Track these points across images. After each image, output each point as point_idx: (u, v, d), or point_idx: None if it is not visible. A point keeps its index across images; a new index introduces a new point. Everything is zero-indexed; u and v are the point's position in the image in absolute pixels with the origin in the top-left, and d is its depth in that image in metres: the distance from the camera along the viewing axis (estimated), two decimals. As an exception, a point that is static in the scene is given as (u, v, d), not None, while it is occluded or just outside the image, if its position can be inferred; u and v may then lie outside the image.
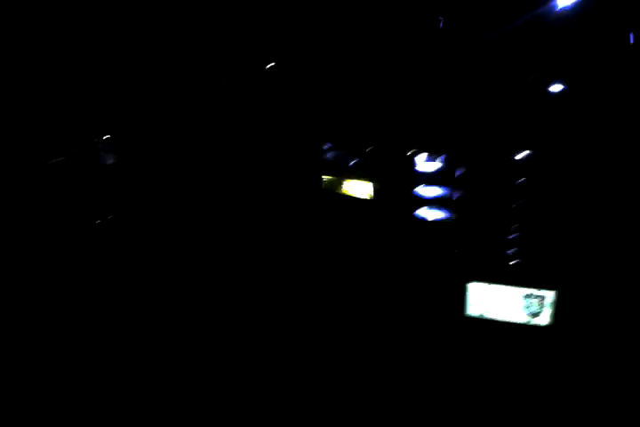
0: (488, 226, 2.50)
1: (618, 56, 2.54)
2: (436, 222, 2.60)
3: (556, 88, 2.53)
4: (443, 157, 2.54)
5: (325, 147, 2.89)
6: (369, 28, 3.45)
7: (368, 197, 2.72)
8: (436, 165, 2.56)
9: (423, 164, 2.58)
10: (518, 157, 2.41)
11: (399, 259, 2.68)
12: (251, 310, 3.21)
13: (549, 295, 2.43)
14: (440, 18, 2.91)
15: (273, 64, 4.09)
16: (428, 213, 2.60)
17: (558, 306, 2.40)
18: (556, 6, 2.61)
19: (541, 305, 2.45)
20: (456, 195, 2.55)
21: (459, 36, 2.89)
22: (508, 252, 2.48)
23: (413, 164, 2.58)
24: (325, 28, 3.95)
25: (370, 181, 2.70)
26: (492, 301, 2.50)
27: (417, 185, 2.59)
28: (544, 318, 2.44)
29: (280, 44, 4.11)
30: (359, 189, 2.73)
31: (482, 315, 2.53)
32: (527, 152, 2.40)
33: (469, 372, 2.57)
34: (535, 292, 2.46)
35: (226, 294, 3.40)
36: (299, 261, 3.33)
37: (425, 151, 2.57)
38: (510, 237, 2.49)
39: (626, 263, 2.31)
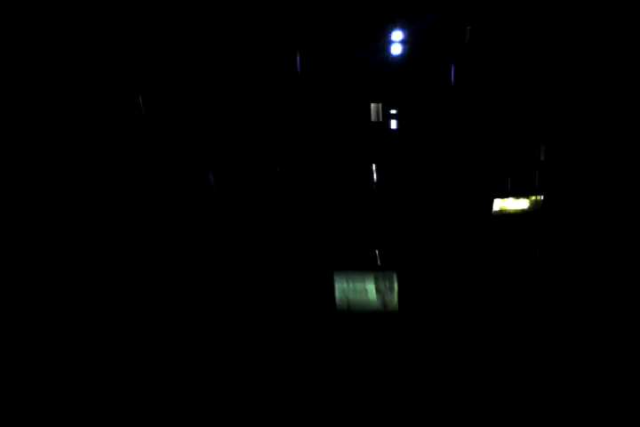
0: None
1: (441, 93, 3.25)
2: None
3: (393, 123, 3.25)
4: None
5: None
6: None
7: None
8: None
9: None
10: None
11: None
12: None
13: (394, 278, 2.91)
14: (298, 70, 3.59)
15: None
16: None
17: (400, 293, 2.88)
18: (391, 54, 3.43)
19: (392, 290, 2.94)
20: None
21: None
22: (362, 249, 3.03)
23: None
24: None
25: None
26: (354, 294, 2.97)
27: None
28: (394, 306, 2.91)
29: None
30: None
31: (348, 308, 2.98)
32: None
33: (346, 355, 2.94)
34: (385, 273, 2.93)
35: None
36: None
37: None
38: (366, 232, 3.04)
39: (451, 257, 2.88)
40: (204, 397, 2.68)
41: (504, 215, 3.06)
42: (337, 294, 2.97)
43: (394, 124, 3.38)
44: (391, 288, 2.94)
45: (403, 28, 3.44)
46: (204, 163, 3.55)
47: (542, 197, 3.07)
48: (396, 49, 3.46)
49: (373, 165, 3.19)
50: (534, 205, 3.06)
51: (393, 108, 3.41)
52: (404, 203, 3.06)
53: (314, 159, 3.25)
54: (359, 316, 2.99)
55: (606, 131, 3.29)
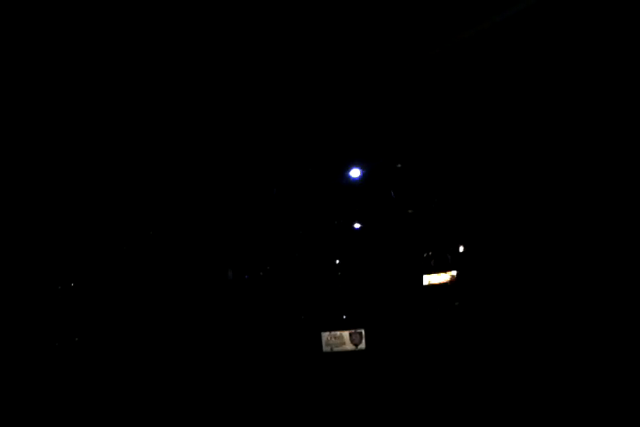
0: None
1: (383, 205, 4.75)
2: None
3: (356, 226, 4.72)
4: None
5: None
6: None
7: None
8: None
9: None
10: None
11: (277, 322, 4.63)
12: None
13: (363, 331, 4.45)
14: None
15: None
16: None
17: (367, 338, 4.42)
18: (350, 177, 4.84)
19: (360, 338, 4.47)
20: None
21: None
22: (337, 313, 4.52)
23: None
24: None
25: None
26: (334, 341, 4.48)
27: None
28: (362, 345, 4.46)
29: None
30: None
31: (331, 349, 4.50)
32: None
33: (330, 385, 4.48)
34: (357, 330, 4.47)
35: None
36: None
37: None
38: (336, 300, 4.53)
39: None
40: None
41: (431, 286, 4.62)
42: (323, 344, 4.50)
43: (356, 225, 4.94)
44: (360, 338, 4.48)
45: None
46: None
47: (456, 273, 4.63)
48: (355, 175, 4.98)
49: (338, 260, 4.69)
50: (451, 278, 4.63)
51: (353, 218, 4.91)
52: (364, 287, 4.61)
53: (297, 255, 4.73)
54: (339, 353, 4.52)
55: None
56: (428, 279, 4.62)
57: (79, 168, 5.03)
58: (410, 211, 5.18)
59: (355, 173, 5.34)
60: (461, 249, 4.81)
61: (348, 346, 4.48)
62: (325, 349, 4.49)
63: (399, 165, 5.47)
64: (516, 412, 3.67)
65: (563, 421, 3.37)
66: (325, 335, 4.49)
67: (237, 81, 5.16)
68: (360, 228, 5.11)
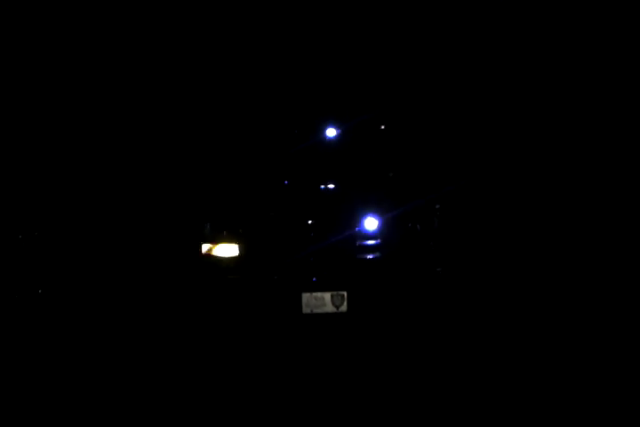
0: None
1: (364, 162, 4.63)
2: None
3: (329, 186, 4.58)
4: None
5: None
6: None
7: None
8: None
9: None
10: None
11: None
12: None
13: (345, 294, 4.35)
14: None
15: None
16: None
17: (349, 299, 4.33)
18: (327, 136, 4.76)
19: (342, 300, 4.37)
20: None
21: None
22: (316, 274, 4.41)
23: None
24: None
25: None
26: (315, 302, 4.37)
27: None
28: (344, 307, 4.36)
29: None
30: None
31: (311, 311, 4.39)
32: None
33: (312, 346, 4.39)
34: (338, 292, 4.36)
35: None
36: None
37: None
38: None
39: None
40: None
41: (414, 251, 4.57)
42: (303, 305, 4.38)
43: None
44: (342, 300, 4.39)
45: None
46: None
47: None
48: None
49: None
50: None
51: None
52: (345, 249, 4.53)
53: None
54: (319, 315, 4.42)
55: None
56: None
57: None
58: (390, 174, 5.09)
59: (330, 132, 5.22)
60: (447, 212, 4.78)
61: (329, 308, 4.38)
62: (305, 310, 4.38)
63: (382, 127, 5.37)
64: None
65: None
66: (306, 296, 4.37)
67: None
68: (343, 189, 4.96)
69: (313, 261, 4.58)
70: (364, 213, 4.63)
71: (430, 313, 4.45)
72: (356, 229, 4.62)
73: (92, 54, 5.23)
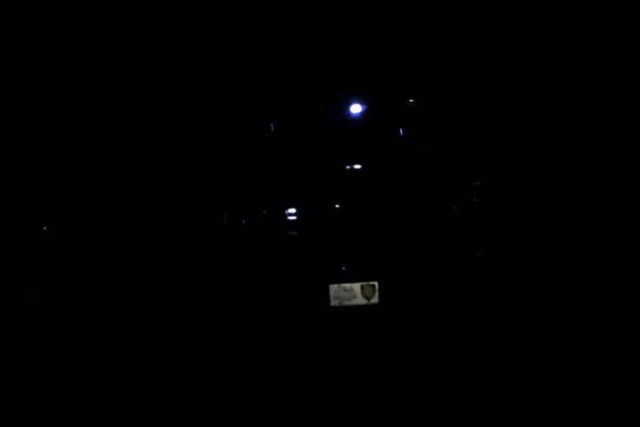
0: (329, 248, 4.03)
1: (392, 144, 4.21)
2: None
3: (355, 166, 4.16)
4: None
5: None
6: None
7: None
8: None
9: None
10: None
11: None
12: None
13: (376, 284, 3.96)
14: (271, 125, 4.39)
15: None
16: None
17: (381, 291, 3.94)
18: (351, 113, 4.49)
19: (373, 291, 3.98)
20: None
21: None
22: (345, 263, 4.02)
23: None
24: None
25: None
26: (344, 294, 4.00)
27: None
28: (376, 299, 3.98)
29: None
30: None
31: (340, 304, 4.02)
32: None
33: (341, 343, 4.03)
34: (369, 283, 3.98)
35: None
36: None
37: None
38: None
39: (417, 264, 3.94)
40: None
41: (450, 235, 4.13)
42: (331, 297, 4.00)
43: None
44: (373, 291, 4.00)
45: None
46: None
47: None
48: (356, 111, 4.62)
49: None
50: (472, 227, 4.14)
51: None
52: (376, 236, 4.11)
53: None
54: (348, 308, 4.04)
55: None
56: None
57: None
58: (422, 151, 4.65)
59: (356, 108, 4.82)
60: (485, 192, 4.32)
61: (360, 300, 4.01)
62: (334, 303, 4.01)
63: (411, 100, 4.93)
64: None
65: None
66: (334, 288, 4.00)
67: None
68: (368, 169, 4.56)
69: (342, 249, 4.20)
70: (392, 195, 4.23)
71: (471, 303, 4.04)
72: (386, 212, 4.22)
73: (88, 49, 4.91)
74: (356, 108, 4.74)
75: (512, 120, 5.01)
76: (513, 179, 4.61)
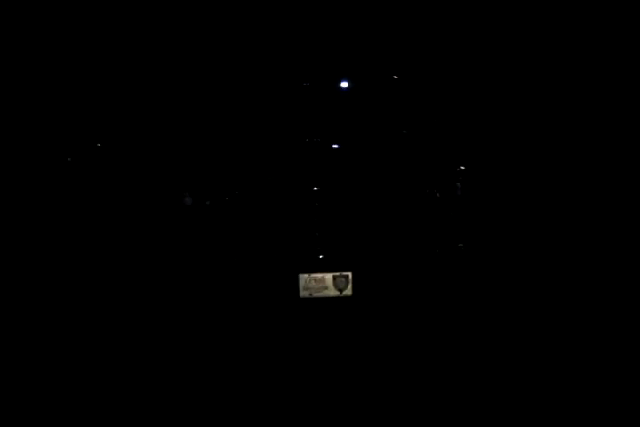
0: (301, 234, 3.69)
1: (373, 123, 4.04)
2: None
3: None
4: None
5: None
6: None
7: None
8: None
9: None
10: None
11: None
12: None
13: (350, 275, 3.64)
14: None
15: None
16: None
17: (355, 282, 3.63)
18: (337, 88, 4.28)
19: (347, 282, 3.67)
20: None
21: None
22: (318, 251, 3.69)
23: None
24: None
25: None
26: (315, 284, 3.68)
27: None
28: (349, 291, 3.66)
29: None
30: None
31: (310, 295, 3.70)
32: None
33: (310, 337, 3.73)
34: (342, 273, 3.66)
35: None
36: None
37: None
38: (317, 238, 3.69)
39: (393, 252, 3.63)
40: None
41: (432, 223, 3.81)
42: (301, 288, 3.68)
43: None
44: (346, 283, 3.68)
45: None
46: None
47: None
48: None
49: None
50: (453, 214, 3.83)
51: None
52: (351, 221, 3.77)
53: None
54: (319, 300, 3.72)
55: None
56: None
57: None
58: (404, 131, 4.31)
59: (343, 84, 4.47)
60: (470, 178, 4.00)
61: (332, 291, 3.70)
62: (303, 294, 3.70)
63: (395, 77, 4.58)
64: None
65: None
66: (304, 278, 3.69)
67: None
68: (346, 149, 4.21)
69: (318, 235, 3.85)
70: (371, 178, 3.90)
71: (452, 298, 3.75)
72: (364, 197, 3.89)
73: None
74: (343, 84, 4.38)
75: (504, 101, 4.68)
76: (501, 164, 4.29)
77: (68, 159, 4.24)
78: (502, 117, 4.43)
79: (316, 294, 3.70)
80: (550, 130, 4.46)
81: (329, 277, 3.70)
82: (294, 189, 3.85)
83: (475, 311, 3.75)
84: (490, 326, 3.75)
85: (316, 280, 3.69)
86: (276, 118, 4.15)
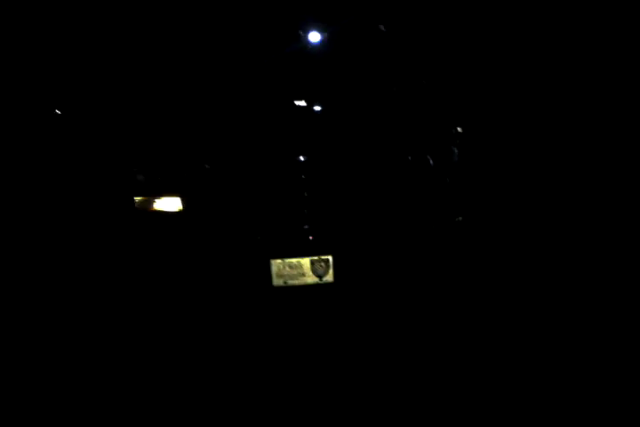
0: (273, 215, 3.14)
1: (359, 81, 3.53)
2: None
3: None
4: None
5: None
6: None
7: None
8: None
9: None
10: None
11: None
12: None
13: (330, 258, 3.12)
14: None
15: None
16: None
17: (336, 266, 3.10)
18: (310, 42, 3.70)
19: (327, 267, 3.15)
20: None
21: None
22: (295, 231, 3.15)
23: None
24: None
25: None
26: (290, 271, 3.16)
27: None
28: (329, 277, 3.15)
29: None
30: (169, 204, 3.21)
31: (285, 283, 3.18)
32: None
33: (286, 332, 3.24)
34: (321, 257, 3.14)
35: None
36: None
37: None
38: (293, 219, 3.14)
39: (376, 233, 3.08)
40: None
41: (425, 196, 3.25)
42: (273, 275, 3.15)
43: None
44: (326, 268, 3.16)
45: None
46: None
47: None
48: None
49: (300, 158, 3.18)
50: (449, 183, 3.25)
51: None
52: (330, 195, 3.19)
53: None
54: (295, 288, 3.21)
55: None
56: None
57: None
58: (394, 89, 3.72)
59: (314, 36, 3.92)
60: (465, 144, 3.43)
61: (309, 278, 3.19)
62: (277, 282, 3.18)
63: (382, 27, 4.01)
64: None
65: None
66: (277, 264, 3.16)
67: None
68: (323, 112, 3.63)
69: (307, 212, 3.28)
70: (355, 143, 3.33)
71: (448, 282, 3.23)
72: (347, 166, 3.32)
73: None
74: (314, 37, 3.80)
75: (506, 56, 4.08)
76: (503, 124, 3.71)
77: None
78: (505, 68, 3.83)
79: (291, 282, 3.18)
80: (560, 89, 3.88)
81: (306, 261, 3.17)
82: (266, 157, 3.29)
83: (473, 295, 3.25)
84: (493, 321, 3.26)
85: (291, 266, 3.17)
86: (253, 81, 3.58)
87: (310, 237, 3.23)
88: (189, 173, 3.23)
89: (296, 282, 3.18)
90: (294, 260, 3.16)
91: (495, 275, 3.35)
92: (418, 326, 3.18)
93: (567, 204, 3.73)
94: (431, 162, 3.26)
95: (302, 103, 3.50)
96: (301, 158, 3.17)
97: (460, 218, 3.33)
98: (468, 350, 3.00)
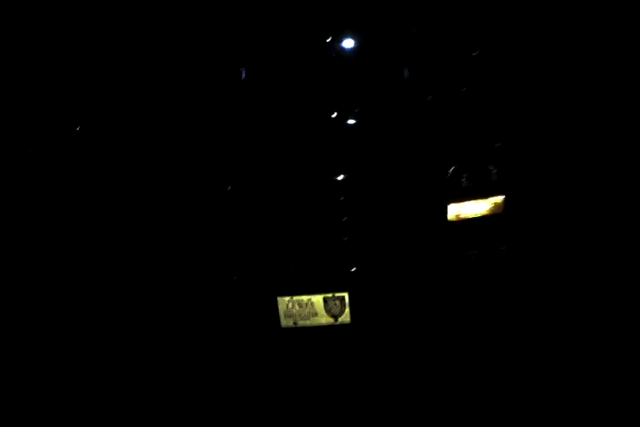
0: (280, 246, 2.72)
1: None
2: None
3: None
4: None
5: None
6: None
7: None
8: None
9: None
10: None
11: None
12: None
13: (346, 296, 2.68)
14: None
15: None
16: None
17: (352, 305, 2.66)
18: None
19: (342, 305, 2.71)
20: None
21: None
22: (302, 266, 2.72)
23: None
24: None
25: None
26: (300, 310, 2.73)
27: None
28: (346, 317, 2.70)
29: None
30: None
31: (295, 324, 2.76)
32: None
33: (297, 382, 2.80)
34: (336, 294, 2.70)
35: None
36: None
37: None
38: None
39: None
40: None
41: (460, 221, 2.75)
42: (281, 315, 2.73)
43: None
44: (342, 306, 2.72)
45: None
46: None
47: (502, 198, 2.74)
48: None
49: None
50: (493, 207, 2.74)
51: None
52: (352, 220, 2.73)
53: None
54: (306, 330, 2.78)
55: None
56: (457, 210, 2.75)
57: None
58: (429, 98, 3.26)
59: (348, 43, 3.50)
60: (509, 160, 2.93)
61: (323, 319, 2.75)
62: (286, 323, 2.76)
63: (414, 31, 3.54)
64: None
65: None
66: (285, 302, 2.74)
67: None
68: (353, 125, 3.17)
69: (348, 241, 2.84)
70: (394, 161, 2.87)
71: (484, 327, 2.74)
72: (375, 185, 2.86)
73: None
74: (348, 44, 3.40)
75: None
76: (550, 143, 3.21)
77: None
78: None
79: (302, 323, 2.75)
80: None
81: (318, 299, 2.74)
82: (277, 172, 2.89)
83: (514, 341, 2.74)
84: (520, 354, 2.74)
85: (301, 305, 2.74)
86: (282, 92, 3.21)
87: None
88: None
89: (307, 323, 2.75)
90: (305, 297, 2.73)
91: (533, 316, 2.84)
92: (452, 379, 2.68)
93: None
94: (465, 183, 2.78)
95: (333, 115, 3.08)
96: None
97: (504, 247, 2.83)
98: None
